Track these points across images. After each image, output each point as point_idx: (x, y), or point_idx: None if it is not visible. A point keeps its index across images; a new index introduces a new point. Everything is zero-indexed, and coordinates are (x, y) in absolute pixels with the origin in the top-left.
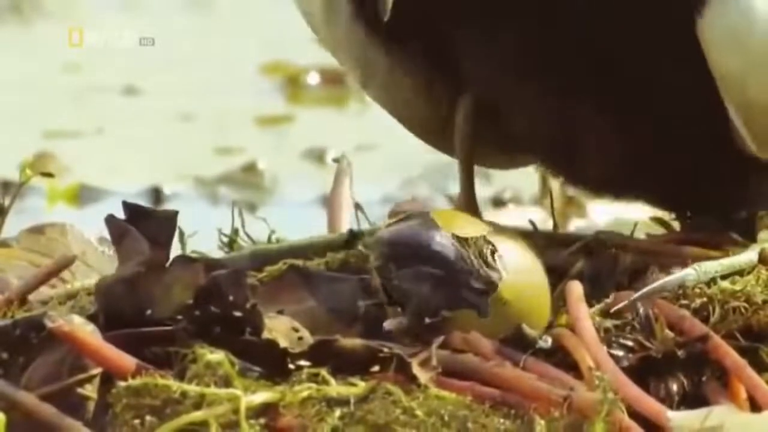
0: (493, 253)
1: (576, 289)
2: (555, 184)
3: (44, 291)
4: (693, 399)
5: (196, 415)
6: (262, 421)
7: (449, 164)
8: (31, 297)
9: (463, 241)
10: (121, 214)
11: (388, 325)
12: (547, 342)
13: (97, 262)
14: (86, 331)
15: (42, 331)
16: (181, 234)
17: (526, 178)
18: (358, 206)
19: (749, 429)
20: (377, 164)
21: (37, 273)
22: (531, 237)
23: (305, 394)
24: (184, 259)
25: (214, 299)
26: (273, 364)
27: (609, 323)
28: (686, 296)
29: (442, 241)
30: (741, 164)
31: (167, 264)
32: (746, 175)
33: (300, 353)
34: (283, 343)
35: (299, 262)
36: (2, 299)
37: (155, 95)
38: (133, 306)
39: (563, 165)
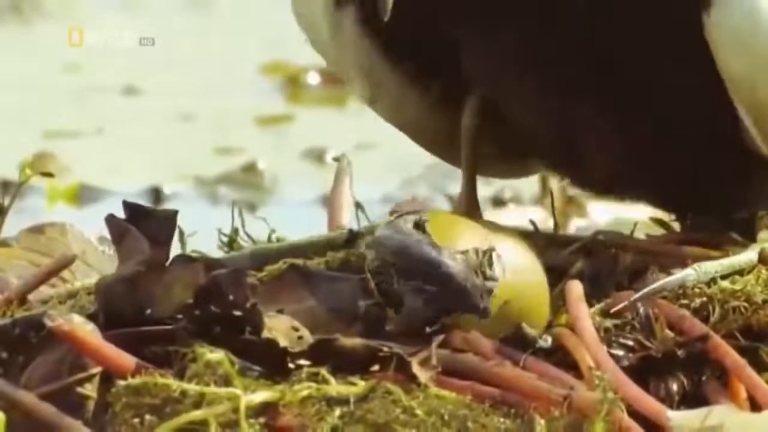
0: (491, 256)
1: (576, 288)
2: (555, 183)
3: (44, 290)
4: (693, 398)
5: (196, 414)
6: (261, 420)
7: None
8: (31, 296)
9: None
10: (121, 214)
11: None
12: (547, 341)
13: (97, 261)
14: (86, 330)
15: (42, 330)
16: (181, 234)
17: (526, 177)
18: (358, 205)
19: (749, 428)
20: (377, 164)
21: (37, 272)
22: (531, 237)
23: (305, 393)
24: (184, 259)
25: (214, 299)
26: (273, 364)
27: (609, 323)
28: (686, 296)
29: (448, 260)
30: (744, 163)
31: (167, 263)
32: (749, 175)
33: (300, 352)
34: (282, 343)
35: (299, 262)
36: (2, 299)
37: (155, 95)
38: (133, 305)
39: (567, 166)
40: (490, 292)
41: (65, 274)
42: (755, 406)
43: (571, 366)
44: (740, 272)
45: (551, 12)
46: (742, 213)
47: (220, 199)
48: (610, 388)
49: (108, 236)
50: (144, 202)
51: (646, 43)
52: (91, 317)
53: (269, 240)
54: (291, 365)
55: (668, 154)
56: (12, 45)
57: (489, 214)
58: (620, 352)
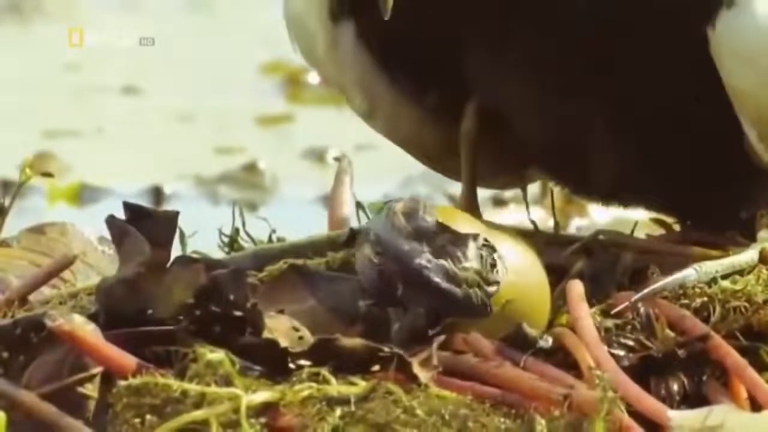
0: (492, 256)
1: (577, 288)
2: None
3: (45, 291)
4: (693, 398)
5: (197, 414)
6: (262, 420)
7: None
8: (32, 297)
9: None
10: (121, 214)
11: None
12: (547, 341)
13: (97, 261)
14: (87, 330)
15: (42, 330)
16: (182, 234)
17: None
18: (359, 205)
19: (749, 428)
20: (377, 164)
21: (38, 273)
22: (531, 237)
23: (306, 393)
24: (184, 259)
25: (215, 299)
26: (273, 364)
27: (610, 323)
28: (687, 296)
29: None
30: (745, 168)
31: (168, 264)
32: (750, 179)
33: (300, 353)
34: (283, 343)
35: (300, 262)
36: (3, 299)
37: (155, 95)
38: (134, 306)
39: (567, 171)
40: (489, 296)
41: (66, 274)
42: (756, 406)
43: (572, 366)
44: (741, 272)
45: (554, 16)
46: (743, 214)
47: (220, 199)
48: (610, 387)
49: (108, 236)
50: (144, 201)
51: (649, 51)
52: (92, 317)
53: (270, 240)
54: (292, 365)
55: (669, 160)
56: (12, 45)
57: (489, 214)
58: (621, 352)
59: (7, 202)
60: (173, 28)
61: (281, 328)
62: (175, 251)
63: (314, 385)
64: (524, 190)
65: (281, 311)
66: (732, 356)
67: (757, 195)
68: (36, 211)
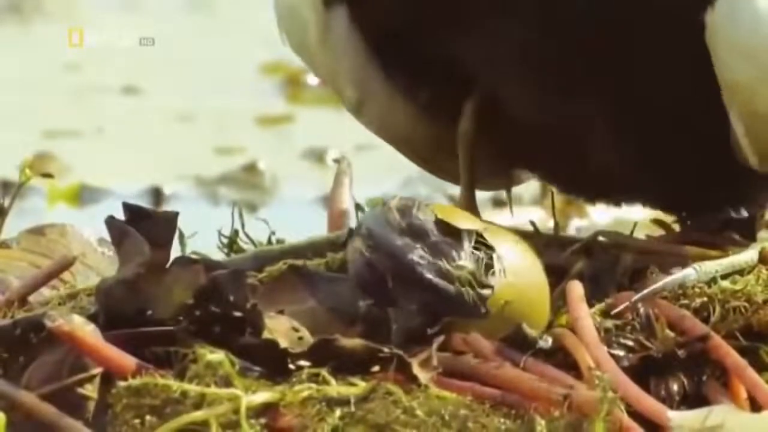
0: (489, 255)
1: (576, 288)
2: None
3: (44, 292)
4: (693, 399)
5: (197, 415)
6: (262, 420)
7: None
8: (32, 298)
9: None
10: (121, 215)
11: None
12: (547, 342)
13: (96, 262)
14: (86, 331)
15: (42, 330)
16: (181, 235)
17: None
18: (358, 206)
19: (749, 429)
20: (377, 164)
21: (38, 274)
22: (531, 238)
23: (305, 394)
24: (184, 260)
25: (215, 299)
26: (273, 364)
27: (609, 323)
28: (686, 296)
29: (440, 272)
30: (745, 167)
31: (168, 265)
32: (749, 178)
33: (300, 353)
34: (283, 343)
35: (299, 263)
36: (3, 300)
37: (155, 95)
38: (134, 307)
39: (564, 167)
40: (484, 300)
41: (65, 275)
42: (755, 406)
43: (572, 366)
44: (740, 272)
45: (553, 14)
46: (743, 213)
47: (220, 200)
48: (610, 388)
49: (108, 237)
50: (144, 202)
51: (649, 49)
52: (92, 318)
53: (269, 241)
54: (291, 366)
55: (666, 156)
56: (12, 45)
57: (489, 214)
58: (621, 353)
59: (6, 203)
60: (173, 28)
61: (281, 328)
62: (175, 252)
63: (314, 385)
64: (509, 191)
65: (281, 312)
66: (732, 356)
67: (755, 194)
68: (36, 212)
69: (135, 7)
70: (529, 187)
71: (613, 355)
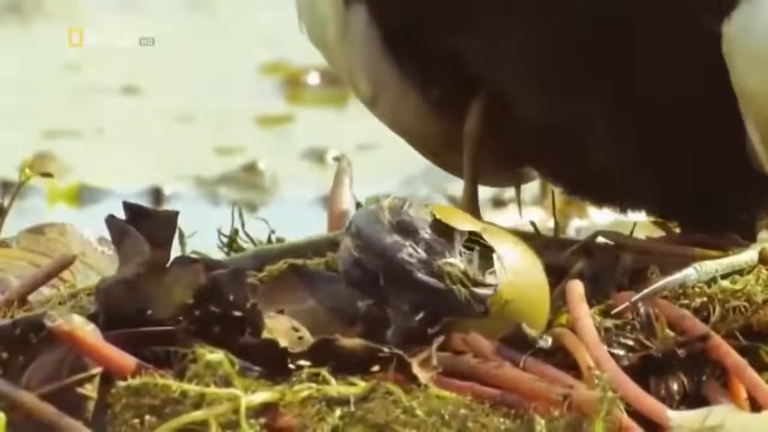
0: (488, 256)
1: (577, 288)
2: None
3: (44, 291)
4: (693, 398)
5: (196, 415)
6: (262, 420)
7: None
8: (31, 297)
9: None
10: (121, 214)
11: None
12: (547, 342)
13: (96, 262)
14: (86, 331)
15: (42, 330)
16: (181, 234)
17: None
18: (359, 206)
19: (749, 429)
20: (377, 164)
21: (37, 273)
22: (531, 239)
23: (305, 393)
24: (184, 260)
25: (214, 299)
26: (273, 364)
27: (609, 323)
28: (687, 296)
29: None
30: (749, 173)
31: (168, 264)
32: (753, 184)
33: (300, 353)
34: (283, 343)
35: (299, 262)
36: (2, 299)
37: (155, 95)
38: (134, 306)
39: (568, 169)
40: (481, 299)
41: (65, 274)
42: (755, 406)
43: (572, 366)
44: (740, 272)
45: (559, 14)
46: (743, 217)
47: (220, 199)
48: (609, 387)
49: (108, 237)
50: (144, 202)
51: (657, 51)
52: (92, 318)
53: (269, 241)
54: (291, 366)
55: (671, 160)
56: (12, 45)
57: (489, 214)
58: (621, 352)
59: (6, 203)
60: (173, 28)
61: (281, 328)
62: (175, 252)
63: (314, 385)
64: (518, 189)
65: (281, 311)
66: (732, 356)
67: (759, 200)
68: (35, 212)
69: (135, 7)
70: (529, 187)
71: (613, 355)
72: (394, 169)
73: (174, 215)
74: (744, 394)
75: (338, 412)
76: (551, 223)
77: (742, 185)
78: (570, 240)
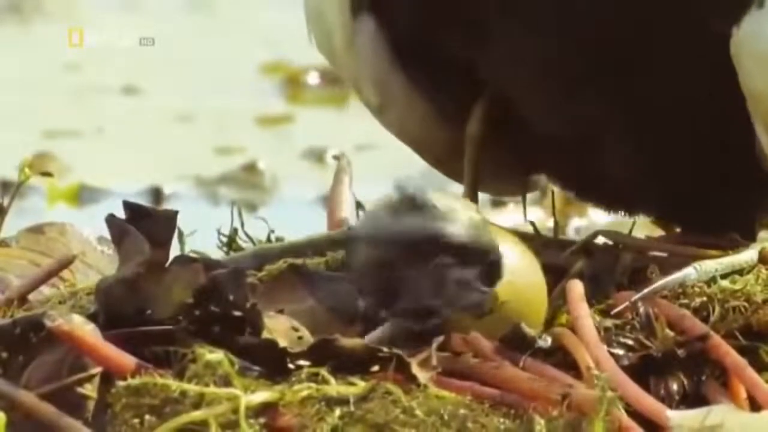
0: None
1: (577, 287)
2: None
3: (44, 290)
4: (693, 398)
5: (196, 415)
6: (261, 420)
7: None
8: (31, 296)
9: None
10: (121, 214)
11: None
12: (546, 341)
13: (96, 261)
14: (86, 330)
15: (42, 330)
16: (181, 234)
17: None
18: (359, 204)
19: (749, 428)
20: (377, 164)
21: (37, 272)
22: (530, 240)
23: (305, 393)
24: (184, 259)
25: (214, 299)
26: (273, 364)
27: (609, 322)
28: (686, 295)
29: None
30: (757, 176)
31: (167, 264)
32: (760, 185)
33: (300, 353)
34: (282, 343)
35: (299, 261)
36: (2, 298)
37: (155, 95)
38: (134, 306)
39: (576, 174)
40: (480, 304)
41: (65, 273)
42: (755, 405)
43: (571, 366)
44: (740, 272)
45: (570, 16)
46: (744, 216)
47: (220, 199)
48: (609, 387)
49: (107, 236)
50: (144, 202)
51: (667, 53)
52: (91, 317)
53: (268, 240)
54: (291, 365)
55: (677, 161)
56: (12, 45)
57: (489, 214)
58: (620, 352)
59: (6, 202)
60: (173, 28)
61: (280, 328)
62: (174, 252)
63: (313, 385)
64: (524, 197)
65: (280, 311)
66: (731, 356)
67: (762, 201)
68: (35, 212)
69: (135, 7)
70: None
71: (612, 355)
72: (393, 169)
73: (174, 214)
74: (744, 394)
75: (338, 411)
76: (551, 223)
77: (748, 186)
78: (569, 240)
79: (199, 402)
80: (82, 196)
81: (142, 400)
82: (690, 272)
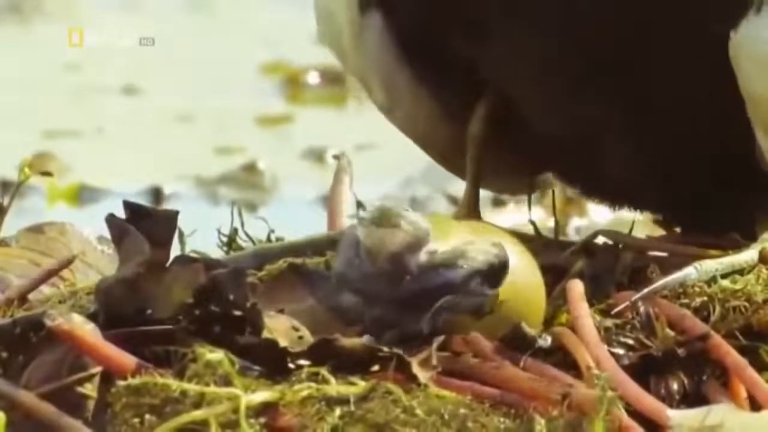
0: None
1: (577, 287)
2: (556, 183)
3: (44, 290)
4: (693, 398)
5: (196, 414)
6: (262, 420)
7: None
8: (31, 296)
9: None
10: (121, 214)
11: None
12: (546, 341)
13: (96, 261)
14: (86, 330)
15: (42, 329)
16: (181, 234)
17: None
18: (359, 204)
19: (749, 428)
20: (377, 164)
21: (37, 272)
22: (530, 241)
23: (305, 393)
24: (184, 259)
25: (214, 298)
26: (273, 364)
27: (609, 322)
28: (687, 295)
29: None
30: (756, 175)
31: (167, 264)
32: (760, 186)
33: (300, 352)
34: (282, 343)
35: (299, 261)
36: (2, 298)
37: (155, 95)
38: (134, 306)
39: (579, 172)
40: (478, 307)
41: (65, 273)
42: (755, 405)
43: (571, 366)
44: (741, 271)
45: (572, 13)
46: (744, 217)
47: (220, 199)
48: (609, 386)
49: (107, 236)
50: (144, 202)
51: (668, 53)
52: (91, 317)
53: (268, 240)
54: (291, 365)
55: (677, 162)
56: (12, 45)
57: (489, 213)
58: (621, 351)
59: (6, 202)
60: (173, 28)
61: (281, 327)
62: (174, 252)
63: (314, 384)
64: (529, 196)
65: (281, 311)
66: (732, 356)
67: (762, 201)
68: (35, 212)
69: (135, 7)
70: None
71: (613, 354)
72: (393, 169)
73: (174, 214)
74: (744, 394)
75: (338, 411)
76: (551, 223)
77: (748, 187)
78: (569, 241)
79: (199, 402)
80: (82, 196)
81: (142, 400)
82: (690, 272)
